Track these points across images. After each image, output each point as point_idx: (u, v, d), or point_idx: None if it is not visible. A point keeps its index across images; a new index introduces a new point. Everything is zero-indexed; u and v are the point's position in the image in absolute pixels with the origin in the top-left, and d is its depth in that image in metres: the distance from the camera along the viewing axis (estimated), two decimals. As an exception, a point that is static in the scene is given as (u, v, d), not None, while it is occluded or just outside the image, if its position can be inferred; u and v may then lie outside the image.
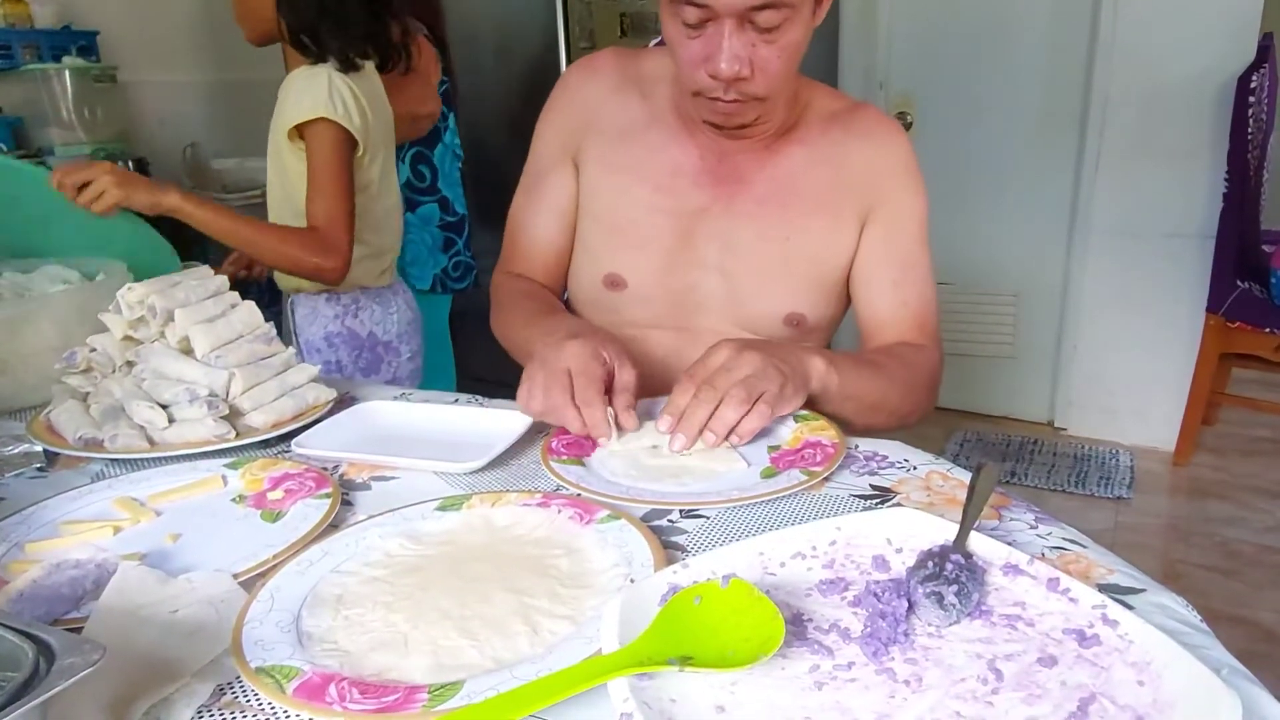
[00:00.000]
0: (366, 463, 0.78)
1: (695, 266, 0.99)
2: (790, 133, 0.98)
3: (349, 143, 1.35)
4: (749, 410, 0.74)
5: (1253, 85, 2.29)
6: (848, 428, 0.82)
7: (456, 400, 0.95)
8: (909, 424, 0.95)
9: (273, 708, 0.47)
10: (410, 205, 2.03)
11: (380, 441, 0.83)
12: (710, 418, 0.74)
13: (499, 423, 0.83)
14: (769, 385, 0.75)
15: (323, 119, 1.31)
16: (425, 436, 0.84)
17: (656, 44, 1.04)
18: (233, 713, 0.47)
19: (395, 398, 0.95)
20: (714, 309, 1.00)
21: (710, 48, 0.83)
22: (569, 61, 2.48)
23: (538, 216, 1.05)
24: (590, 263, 1.03)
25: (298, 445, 0.79)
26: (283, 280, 1.53)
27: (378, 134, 1.43)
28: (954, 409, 3.18)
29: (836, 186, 0.97)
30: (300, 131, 1.33)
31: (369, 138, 1.39)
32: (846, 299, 1.04)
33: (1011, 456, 2.79)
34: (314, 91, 1.32)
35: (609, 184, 1.00)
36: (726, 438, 0.75)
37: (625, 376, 0.81)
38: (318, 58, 1.36)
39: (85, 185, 1.18)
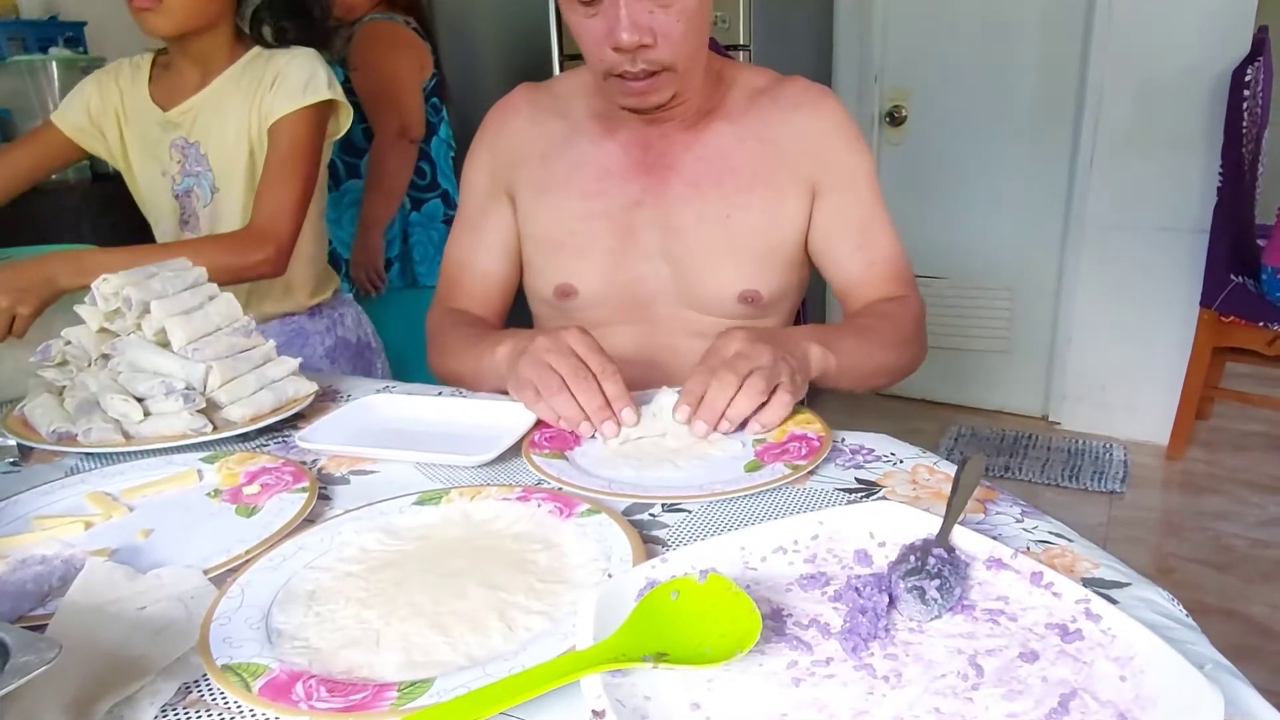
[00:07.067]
0: (371, 456, 0.77)
1: (641, 260, 1.00)
2: (714, 112, 0.99)
3: (323, 131, 1.25)
4: (768, 400, 0.75)
5: (1247, 79, 2.29)
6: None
7: (440, 393, 0.94)
8: (908, 374, 0.98)
9: (238, 706, 0.46)
10: (414, 204, 2.00)
11: (384, 435, 0.82)
12: (729, 404, 0.74)
13: (502, 416, 0.82)
14: (782, 376, 0.76)
15: (310, 104, 1.20)
16: (430, 430, 0.83)
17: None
18: (197, 711, 0.46)
19: (378, 391, 0.94)
20: (667, 297, 1.01)
21: (609, 22, 0.85)
22: (562, 51, 2.47)
23: (478, 251, 1.07)
24: (541, 281, 1.05)
25: (301, 440, 0.78)
26: (257, 308, 1.33)
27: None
28: (948, 403, 3.17)
29: (772, 159, 0.98)
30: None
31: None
32: (803, 270, 1.04)
33: (1005, 451, 2.78)
34: (317, 74, 1.20)
35: (542, 205, 1.02)
36: (743, 426, 0.75)
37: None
38: (276, 43, 1.24)
39: None
